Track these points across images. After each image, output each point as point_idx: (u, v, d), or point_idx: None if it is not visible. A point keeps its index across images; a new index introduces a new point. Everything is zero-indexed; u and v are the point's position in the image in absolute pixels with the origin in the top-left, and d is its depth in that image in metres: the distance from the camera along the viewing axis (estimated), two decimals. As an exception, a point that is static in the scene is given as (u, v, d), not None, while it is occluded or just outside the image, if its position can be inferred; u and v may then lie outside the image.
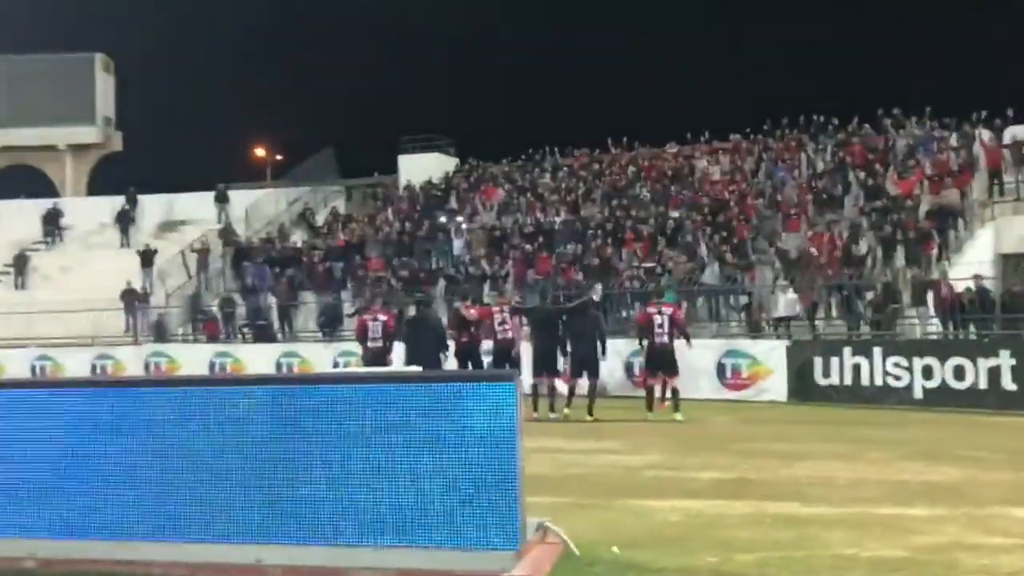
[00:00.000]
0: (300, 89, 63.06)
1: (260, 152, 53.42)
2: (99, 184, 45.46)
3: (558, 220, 30.97)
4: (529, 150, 36.68)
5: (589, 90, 62.19)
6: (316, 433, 5.59)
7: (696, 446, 12.23)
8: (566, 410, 16.21)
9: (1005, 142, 27.11)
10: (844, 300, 23.03)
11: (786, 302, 23.05)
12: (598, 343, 16.22)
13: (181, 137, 59.53)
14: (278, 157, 52.75)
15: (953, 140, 28.99)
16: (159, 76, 56.13)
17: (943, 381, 16.28)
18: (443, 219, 32.90)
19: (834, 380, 17.32)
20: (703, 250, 26.48)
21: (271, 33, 64.30)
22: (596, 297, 17.54)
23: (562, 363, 16.80)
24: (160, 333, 29.02)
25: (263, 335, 26.62)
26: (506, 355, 17.06)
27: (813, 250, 24.73)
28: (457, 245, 31.01)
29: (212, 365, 22.92)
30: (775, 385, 17.95)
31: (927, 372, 16.42)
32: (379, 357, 17.23)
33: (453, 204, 34.80)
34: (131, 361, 24.44)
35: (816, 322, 23.17)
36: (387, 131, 41.09)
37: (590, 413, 15.92)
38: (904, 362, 16.69)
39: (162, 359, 24.12)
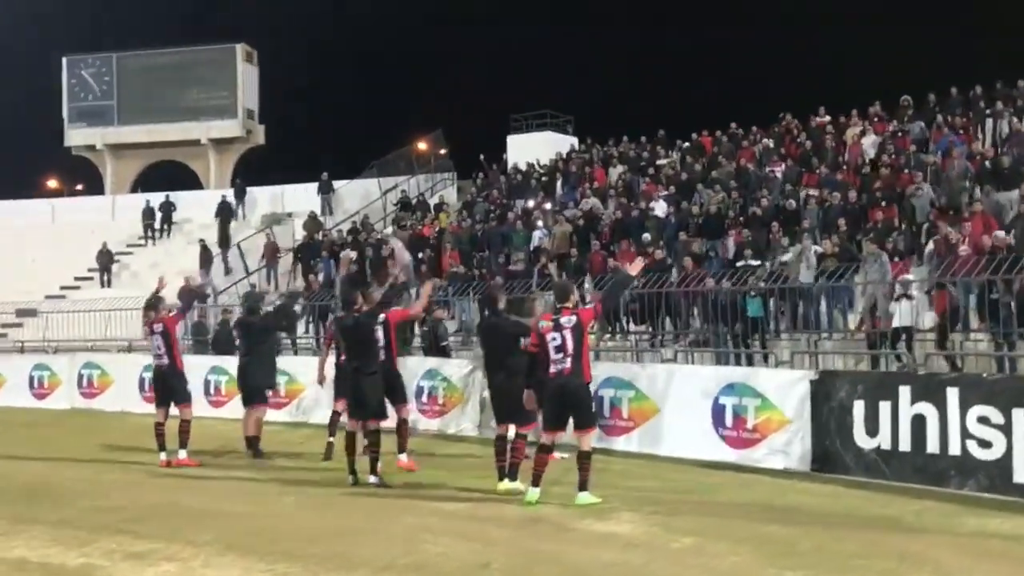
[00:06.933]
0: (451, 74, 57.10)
1: (422, 145, 48.80)
2: (246, 179, 42.15)
3: (658, 207, 24.03)
4: (659, 130, 29.64)
5: (733, 63, 52.29)
6: None
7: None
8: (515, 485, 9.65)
9: None
10: (988, 305, 15.07)
11: (906, 307, 15.44)
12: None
13: (328, 130, 55.78)
14: (442, 151, 47.98)
15: None
16: (303, 67, 52.35)
17: (1066, 453, 8.64)
18: (530, 205, 26.68)
19: (883, 441, 9.88)
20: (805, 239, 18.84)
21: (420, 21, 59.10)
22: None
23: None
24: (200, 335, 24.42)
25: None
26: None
27: (952, 234, 16.79)
28: (537, 236, 24.62)
29: (142, 382, 17.74)
30: (793, 444, 10.61)
31: (1036, 436, 8.83)
32: (161, 376, 11.73)
33: (559, 189, 28.46)
34: (65, 372, 19.71)
35: (953, 335, 15.40)
36: (511, 111, 34.86)
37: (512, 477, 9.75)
38: (996, 416, 9.10)
39: (95, 371, 19.20)
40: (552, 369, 9.11)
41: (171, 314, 12.49)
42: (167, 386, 11.96)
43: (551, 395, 9.20)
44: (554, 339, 9.08)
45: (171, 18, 48.82)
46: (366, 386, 10.18)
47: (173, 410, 11.99)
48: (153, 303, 12.45)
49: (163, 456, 11.73)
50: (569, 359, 9.02)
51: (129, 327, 23.92)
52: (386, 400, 10.66)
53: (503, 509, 8.87)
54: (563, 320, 9.13)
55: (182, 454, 11.67)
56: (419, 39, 59.06)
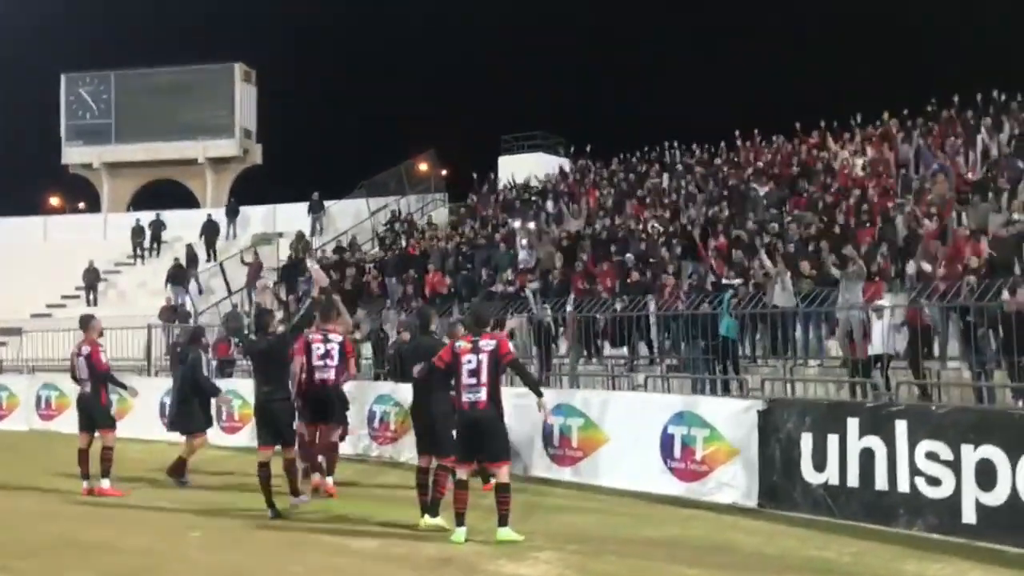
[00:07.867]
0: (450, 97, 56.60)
1: (423, 167, 48.30)
2: (243, 198, 41.80)
3: (645, 226, 23.55)
4: (645, 147, 29.23)
5: (725, 84, 51.29)
6: None
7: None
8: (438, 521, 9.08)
9: None
10: (966, 329, 14.48)
11: (884, 332, 14.79)
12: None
13: (325, 149, 55.33)
14: (443, 172, 47.45)
15: None
16: (302, 86, 51.98)
17: (1015, 491, 8.04)
18: (515, 225, 26.21)
19: (831, 476, 9.31)
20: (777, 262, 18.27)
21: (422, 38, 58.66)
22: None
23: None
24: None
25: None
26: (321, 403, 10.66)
27: (934, 256, 16.23)
28: (522, 256, 24.12)
29: (110, 404, 17.13)
30: (740, 477, 10.05)
31: (985, 474, 8.22)
32: (82, 403, 11.19)
33: (550, 208, 27.98)
34: (24, 393, 19.25)
35: (929, 364, 14.78)
36: (503, 132, 34.39)
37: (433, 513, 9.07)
38: (946, 452, 8.52)
39: (53, 392, 18.71)
40: (464, 398, 8.58)
41: (100, 338, 11.92)
42: (88, 413, 11.44)
43: (464, 427, 8.66)
44: (469, 362, 8.55)
45: (170, 37, 48.67)
46: (276, 411, 9.71)
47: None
48: (83, 322, 11.91)
49: (85, 484, 11.22)
50: (484, 389, 8.52)
51: (107, 347, 23.43)
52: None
53: (417, 547, 8.35)
54: (482, 343, 8.63)
55: (104, 482, 11.15)
56: (416, 60, 58.95)
